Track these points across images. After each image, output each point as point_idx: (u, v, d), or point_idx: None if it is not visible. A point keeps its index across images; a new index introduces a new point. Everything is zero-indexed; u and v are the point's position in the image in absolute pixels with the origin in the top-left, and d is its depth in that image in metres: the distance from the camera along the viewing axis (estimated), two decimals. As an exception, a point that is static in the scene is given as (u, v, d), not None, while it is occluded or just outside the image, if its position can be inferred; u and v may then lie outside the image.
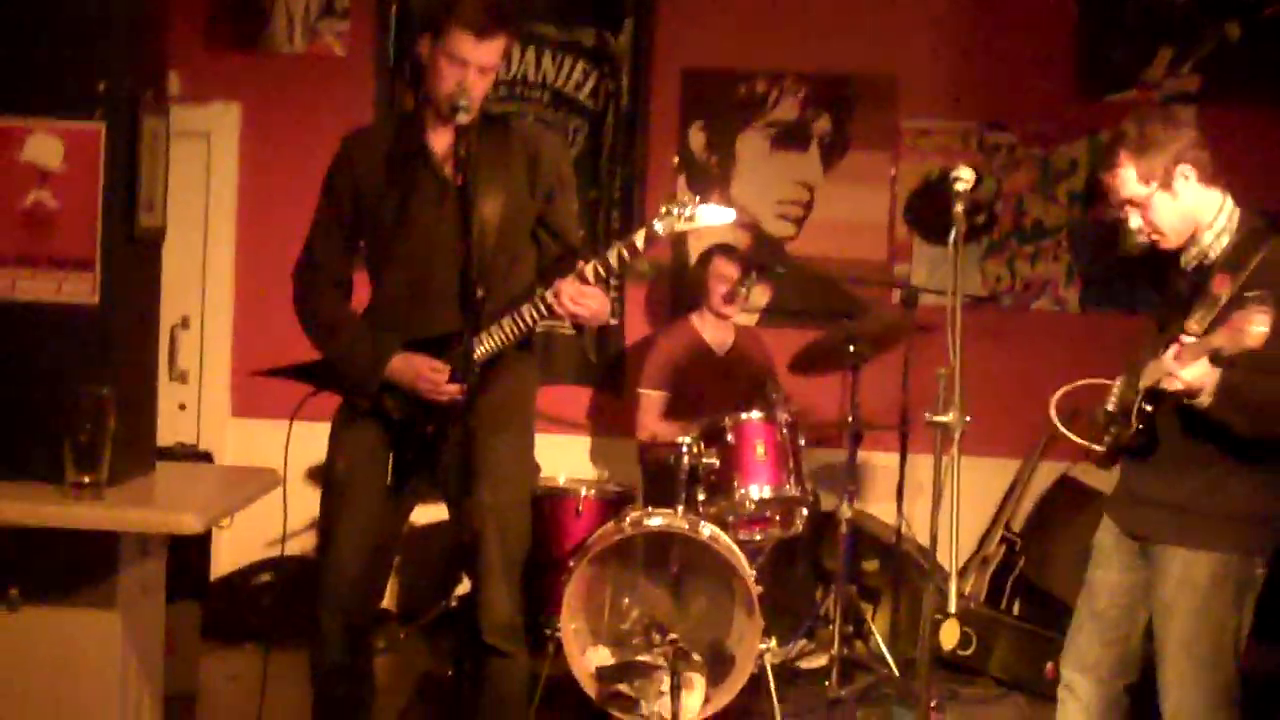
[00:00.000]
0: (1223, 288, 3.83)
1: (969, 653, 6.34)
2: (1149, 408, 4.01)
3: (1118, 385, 4.24)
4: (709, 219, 4.29)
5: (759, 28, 7.18)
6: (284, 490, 4.22)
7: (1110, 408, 4.24)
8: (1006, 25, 7.19)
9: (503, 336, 4.27)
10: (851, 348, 6.05)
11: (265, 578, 6.47)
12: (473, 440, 4.05)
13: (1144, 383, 4.00)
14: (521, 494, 4.51)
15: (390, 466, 4.33)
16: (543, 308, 4.22)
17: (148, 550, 3.84)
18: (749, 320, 6.94)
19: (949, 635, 6.33)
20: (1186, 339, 3.78)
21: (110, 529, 3.59)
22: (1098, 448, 4.27)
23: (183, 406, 7.06)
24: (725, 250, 6.57)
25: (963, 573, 6.99)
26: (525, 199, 4.38)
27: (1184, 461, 4.01)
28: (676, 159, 7.19)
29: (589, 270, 4.20)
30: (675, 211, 4.24)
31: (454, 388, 4.19)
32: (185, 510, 3.58)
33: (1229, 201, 4.00)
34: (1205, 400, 3.77)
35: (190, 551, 5.38)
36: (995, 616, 6.53)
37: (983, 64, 7.19)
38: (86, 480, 3.59)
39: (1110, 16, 7.15)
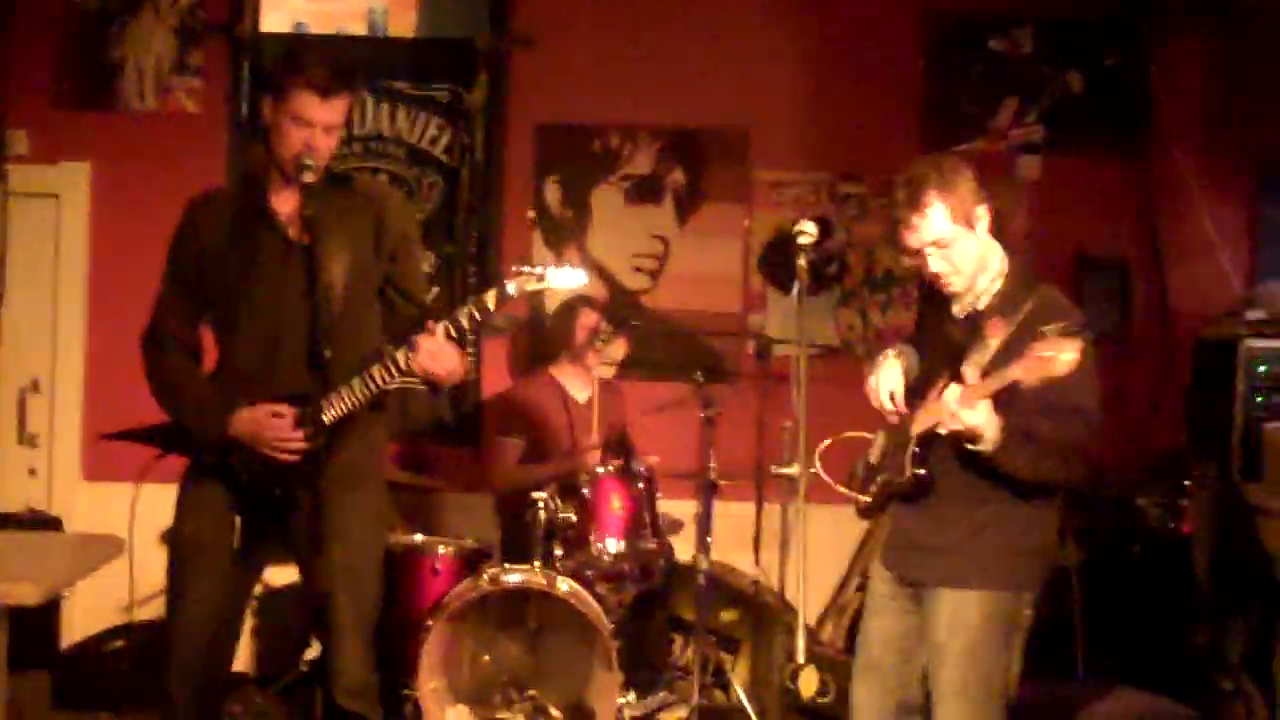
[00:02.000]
0: (996, 332, 3.92)
1: (828, 699, 6.37)
2: (918, 451, 4.10)
3: (879, 438, 4.32)
4: (560, 281, 4.31)
5: (612, 83, 7.24)
6: (130, 556, 4.17)
7: (872, 460, 4.32)
8: (856, 78, 7.31)
9: (353, 397, 4.25)
10: (706, 405, 6.08)
11: (117, 644, 6.35)
12: (323, 501, 4.05)
13: (916, 428, 4.09)
14: (374, 554, 4.49)
15: (238, 529, 4.29)
16: (395, 368, 4.21)
17: (-12, 621, 3.78)
18: (607, 373, 6.96)
19: (807, 683, 6.41)
20: (969, 381, 3.86)
21: (-54, 602, 3.54)
22: (863, 498, 4.33)
23: (33, 471, 6.92)
24: (588, 301, 6.59)
25: (821, 620, 7.05)
26: (370, 259, 4.38)
27: (954, 504, 4.11)
28: (532, 213, 7.22)
29: (440, 330, 4.19)
30: (527, 271, 4.26)
31: (299, 436, 4.17)
32: (22, 580, 3.53)
33: (1001, 249, 4.12)
34: (988, 446, 3.86)
35: (37, 620, 5.29)
36: (852, 661, 6.57)
37: (833, 116, 7.30)
38: (-78, 553, 3.55)
39: (956, 68, 7.30)
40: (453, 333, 4.20)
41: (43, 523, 6.10)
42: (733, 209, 7.28)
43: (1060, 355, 3.59)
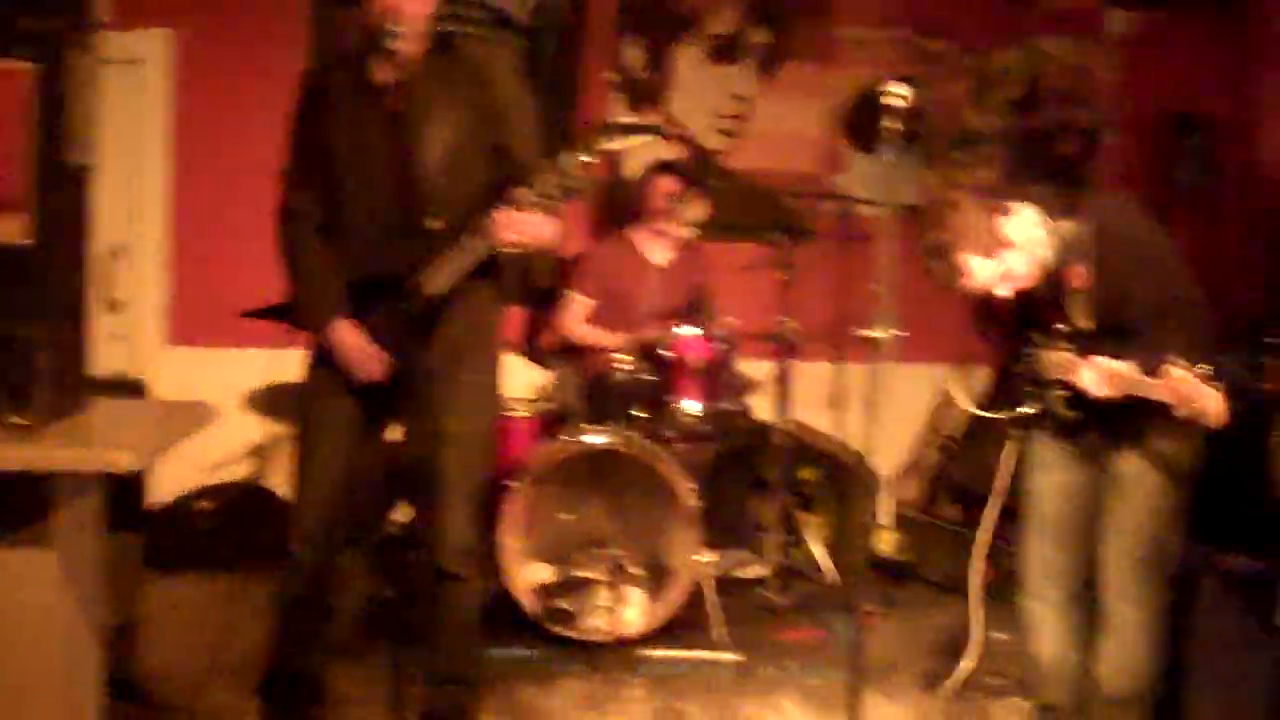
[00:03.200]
0: (1078, 278, 3.98)
1: (906, 557, 6.45)
2: (1066, 395, 4.13)
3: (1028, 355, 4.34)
4: (636, 138, 4.29)
5: (693, -59, 7.17)
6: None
7: (1017, 369, 4.34)
8: (940, -69, 7.21)
9: (459, 266, 4.24)
10: (785, 266, 6.09)
11: (204, 505, 6.47)
12: (434, 374, 4.12)
13: (1054, 373, 4.13)
14: (485, 422, 4.52)
15: (360, 398, 4.36)
16: (487, 236, 4.19)
17: (84, 487, 3.87)
18: (688, 235, 6.95)
19: (886, 540, 6.48)
20: (1100, 361, 3.90)
21: (45, 469, 3.62)
22: (1025, 410, 4.30)
23: (117, 336, 7.02)
24: (668, 166, 6.56)
25: (899, 479, 7.10)
26: (477, 124, 4.29)
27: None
28: (612, 75, 7.19)
29: (523, 196, 4.16)
30: (604, 127, 4.29)
31: (380, 373, 4.25)
32: (120, 448, 3.60)
33: (1028, 208, 4.12)
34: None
35: (128, 482, 5.38)
36: (931, 521, 6.63)
37: (916, -28, 7.23)
38: (19, 420, 3.63)
39: (1045, -80, 7.18)
40: (535, 198, 4.16)
41: (126, 387, 6.20)
42: (814, 68, 7.22)
43: (1212, 407, 3.60)
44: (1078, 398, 4.10)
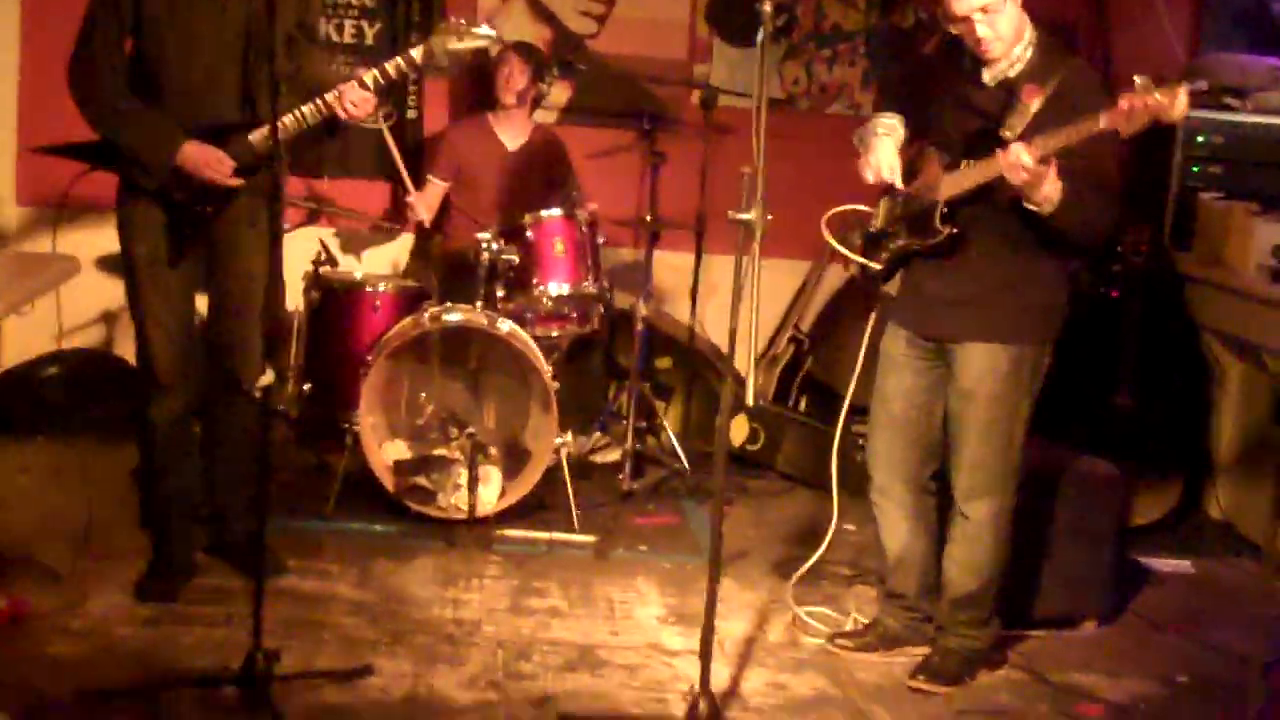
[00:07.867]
0: (1032, 98, 4.07)
1: (757, 447, 6.52)
2: (946, 211, 4.24)
3: (882, 206, 4.43)
4: (487, 36, 4.62)
5: None
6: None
7: (874, 228, 4.48)
8: None
9: (293, 129, 4.47)
10: (651, 153, 6.08)
11: (52, 370, 6.30)
12: (237, 217, 4.46)
13: (947, 191, 4.22)
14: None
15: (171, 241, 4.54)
16: (323, 106, 4.46)
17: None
18: (548, 118, 6.90)
19: (737, 430, 6.55)
20: (1009, 137, 4.01)
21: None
22: (875, 265, 4.46)
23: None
24: (518, 49, 6.48)
25: (754, 371, 7.14)
26: (286, 9, 4.48)
27: (982, 260, 4.26)
28: (475, -45, 7.05)
29: (369, 78, 4.44)
30: (455, 27, 4.57)
31: (236, 179, 4.44)
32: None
33: (1030, 21, 4.21)
34: (1048, 209, 4.01)
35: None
36: (782, 413, 6.70)
37: None
38: None
39: None
40: (380, 82, 4.48)
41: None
42: (680, -47, 7.13)
43: (1176, 100, 3.68)
44: (955, 214, 4.22)
